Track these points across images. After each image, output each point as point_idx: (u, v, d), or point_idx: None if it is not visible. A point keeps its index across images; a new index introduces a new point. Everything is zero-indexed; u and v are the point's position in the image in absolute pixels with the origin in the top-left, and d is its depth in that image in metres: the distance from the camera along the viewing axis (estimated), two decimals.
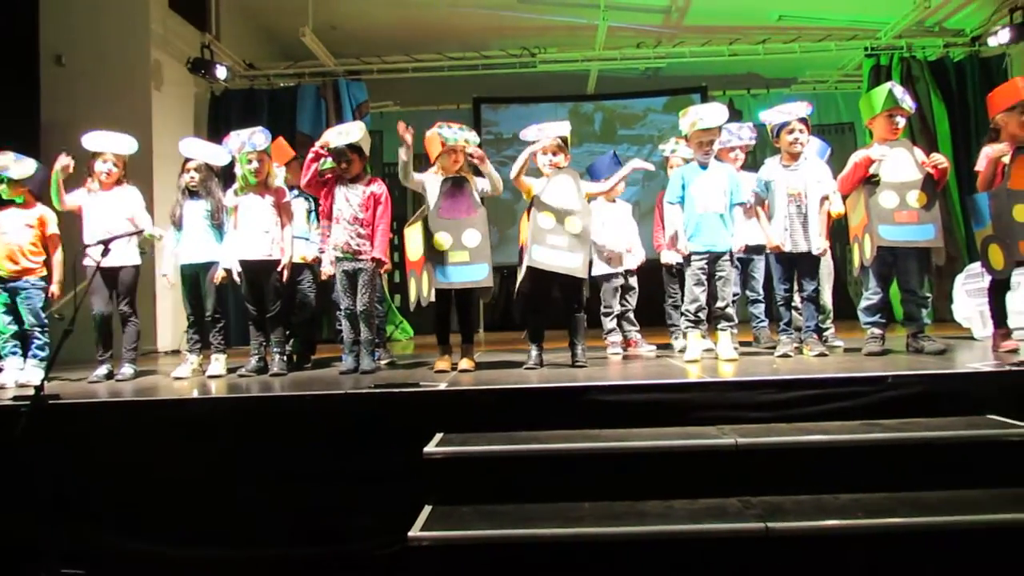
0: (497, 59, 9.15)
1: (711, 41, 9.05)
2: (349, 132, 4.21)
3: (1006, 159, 3.94)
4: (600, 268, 4.91)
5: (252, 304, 4.34)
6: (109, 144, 4.40)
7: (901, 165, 4.04)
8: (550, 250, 3.92)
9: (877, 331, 4.13)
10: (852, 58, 9.38)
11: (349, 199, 4.15)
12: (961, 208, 7.98)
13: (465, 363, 4.04)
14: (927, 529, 2.36)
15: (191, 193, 4.48)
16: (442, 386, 3.29)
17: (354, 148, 4.17)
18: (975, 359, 3.62)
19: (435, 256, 3.97)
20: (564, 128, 4.18)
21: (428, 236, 4.00)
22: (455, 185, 4.06)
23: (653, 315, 5.52)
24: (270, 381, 4.02)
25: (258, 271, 4.28)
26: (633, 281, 5.18)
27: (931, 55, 8.81)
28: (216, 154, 4.52)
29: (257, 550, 3.01)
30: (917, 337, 4.09)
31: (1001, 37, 8.04)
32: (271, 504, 3.03)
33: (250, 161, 4.25)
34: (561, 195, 4.02)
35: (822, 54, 9.23)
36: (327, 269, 4.21)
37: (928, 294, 4.24)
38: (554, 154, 4.10)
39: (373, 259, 4.14)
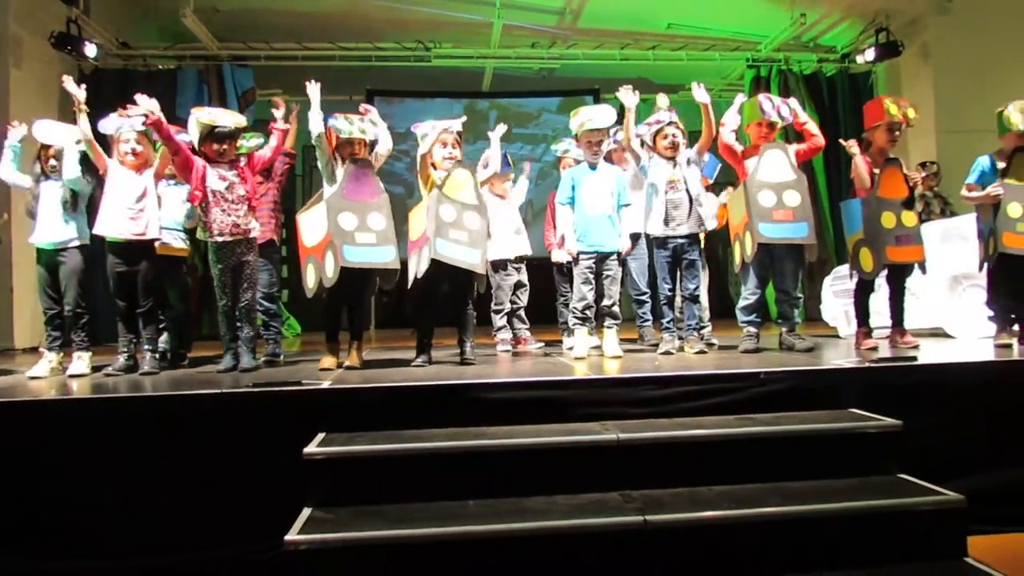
0: (391, 51, 9.02)
1: (604, 44, 9.26)
2: (236, 117, 4.09)
3: (876, 169, 4.23)
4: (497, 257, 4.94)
5: (121, 298, 4.07)
6: None
7: (777, 166, 4.25)
8: (453, 244, 3.87)
9: (753, 329, 4.33)
10: (735, 68, 9.82)
11: (226, 177, 3.95)
12: (831, 213, 8.51)
13: (352, 360, 3.94)
14: (795, 517, 2.47)
15: (46, 174, 4.17)
16: (326, 384, 3.18)
17: (235, 135, 3.99)
18: (840, 356, 3.85)
19: (342, 235, 3.80)
20: (459, 124, 4.15)
21: (333, 215, 3.84)
22: (360, 167, 3.94)
23: (544, 313, 5.58)
24: (140, 380, 3.78)
25: (127, 254, 4.00)
26: (525, 278, 5.21)
27: (806, 69, 9.36)
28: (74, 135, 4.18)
29: (123, 560, 2.82)
30: (789, 335, 4.31)
31: (868, 55, 8.64)
32: (139, 511, 2.84)
33: (127, 141, 3.99)
34: (460, 189, 3.98)
35: (707, 63, 9.61)
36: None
37: (800, 295, 4.48)
38: (452, 147, 4.07)
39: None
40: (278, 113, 4.37)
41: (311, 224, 3.99)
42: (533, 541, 2.36)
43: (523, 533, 2.34)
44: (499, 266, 4.98)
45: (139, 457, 2.88)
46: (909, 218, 4.20)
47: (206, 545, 2.84)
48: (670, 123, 4.36)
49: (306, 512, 2.52)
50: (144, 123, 3.88)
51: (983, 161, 4.32)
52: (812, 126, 4.38)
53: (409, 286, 4.01)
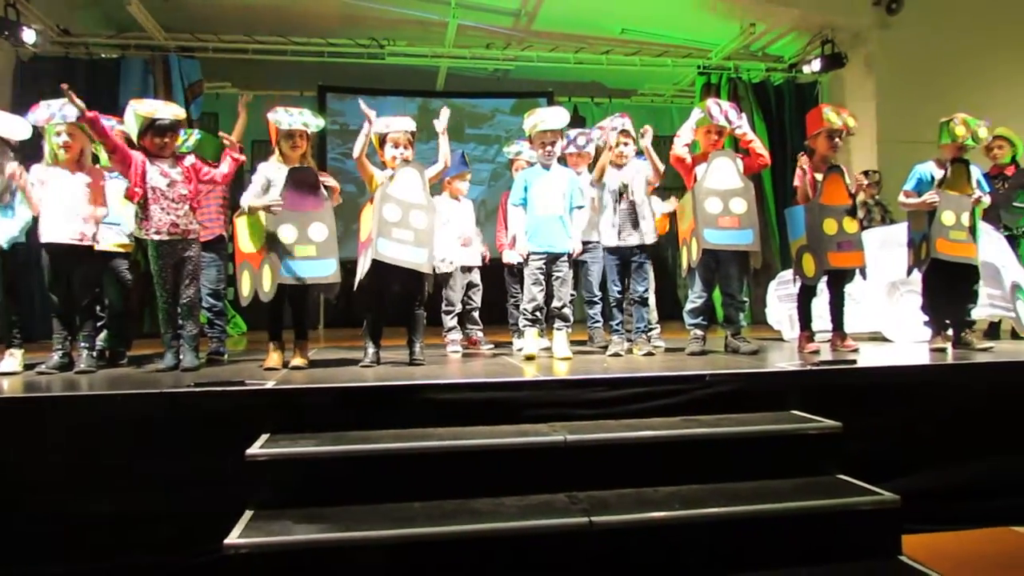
0: (344, 48, 8.91)
1: (558, 48, 9.31)
2: (176, 109, 3.96)
3: (819, 176, 4.34)
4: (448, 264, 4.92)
5: (57, 294, 3.92)
6: None
7: (725, 174, 4.32)
8: (396, 244, 3.83)
9: (699, 332, 4.39)
10: (687, 75, 9.97)
11: (168, 174, 3.84)
12: (777, 220, 8.70)
13: (298, 360, 3.87)
14: (737, 517, 2.51)
15: None
16: (270, 384, 3.12)
17: (177, 127, 3.89)
18: (783, 359, 3.93)
19: (279, 249, 3.73)
20: (410, 124, 4.11)
21: (271, 228, 3.75)
22: (301, 175, 3.85)
23: (495, 314, 5.57)
24: (76, 379, 3.64)
25: (66, 257, 3.87)
26: (477, 279, 5.21)
27: (755, 78, 9.55)
28: (10, 126, 4.03)
29: (55, 566, 2.72)
30: (735, 338, 4.39)
31: (814, 66, 8.87)
32: (73, 515, 2.74)
33: (59, 134, 3.84)
34: (408, 189, 3.94)
35: (660, 69, 9.75)
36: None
37: (746, 299, 4.57)
38: (404, 147, 4.02)
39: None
40: (229, 140, 4.17)
41: (248, 229, 3.88)
42: (479, 543, 2.35)
43: (469, 535, 2.33)
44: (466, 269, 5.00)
45: (72, 459, 2.79)
46: (851, 225, 4.33)
47: (143, 549, 2.75)
48: (622, 131, 4.38)
49: (248, 515, 2.48)
50: (78, 119, 3.74)
51: (921, 169, 4.44)
52: (758, 145, 4.43)
53: (355, 288, 3.96)
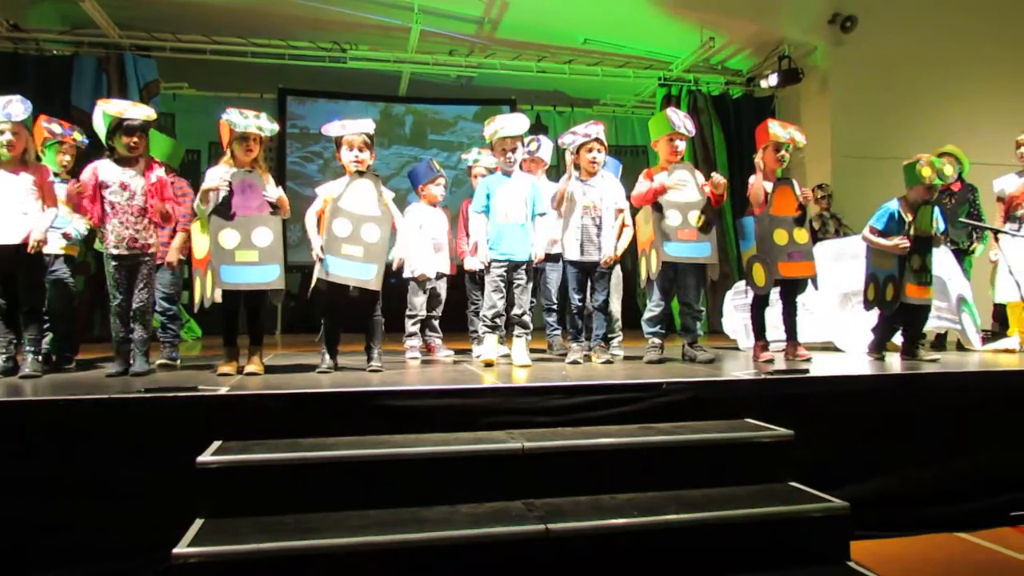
0: (306, 51, 8.83)
1: (521, 56, 9.35)
2: (146, 110, 3.87)
3: (768, 186, 4.41)
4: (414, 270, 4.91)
5: (1, 297, 3.80)
6: None
7: (684, 187, 4.37)
8: (344, 261, 3.78)
9: (657, 341, 4.43)
10: (648, 86, 10.09)
11: (129, 186, 3.75)
12: (734, 230, 8.84)
13: (252, 366, 3.80)
14: (692, 525, 2.53)
15: None
16: (223, 390, 3.05)
17: (146, 128, 3.81)
18: (738, 368, 3.99)
19: (220, 255, 3.67)
20: (368, 126, 4.04)
21: (214, 232, 3.68)
22: (247, 179, 3.78)
23: (455, 321, 5.55)
24: (19, 383, 3.53)
25: (10, 259, 3.75)
26: (440, 287, 5.19)
27: (714, 90, 9.72)
28: None
29: None
30: (691, 347, 4.44)
31: (771, 80, 9.05)
32: (14, 523, 2.64)
33: (2, 132, 3.72)
34: (361, 201, 3.89)
35: (621, 80, 9.85)
36: None
37: (703, 308, 4.62)
38: (360, 150, 3.96)
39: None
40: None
41: (200, 235, 3.82)
42: (433, 551, 2.33)
43: (423, 543, 2.31)
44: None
45: (14, 466, 2.69)
46: (801, 235, 4.40)
47: (89, 559, 2.67)
48: (596, 139, 4.38)
49: (197, 523, 2.42)
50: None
51: (891, 207, 4.44)
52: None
53: (309, 295, 3.91)
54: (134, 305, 3.79)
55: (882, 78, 8.62)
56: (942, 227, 4.53)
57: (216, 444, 2.70)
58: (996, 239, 5.07)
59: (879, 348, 4.51)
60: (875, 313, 4.57)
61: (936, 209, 4.46)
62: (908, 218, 4.39)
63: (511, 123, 4.20)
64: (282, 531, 2.34)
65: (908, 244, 4.31)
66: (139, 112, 3.80)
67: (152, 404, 2.87)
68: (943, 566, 3.01)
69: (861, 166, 8.01)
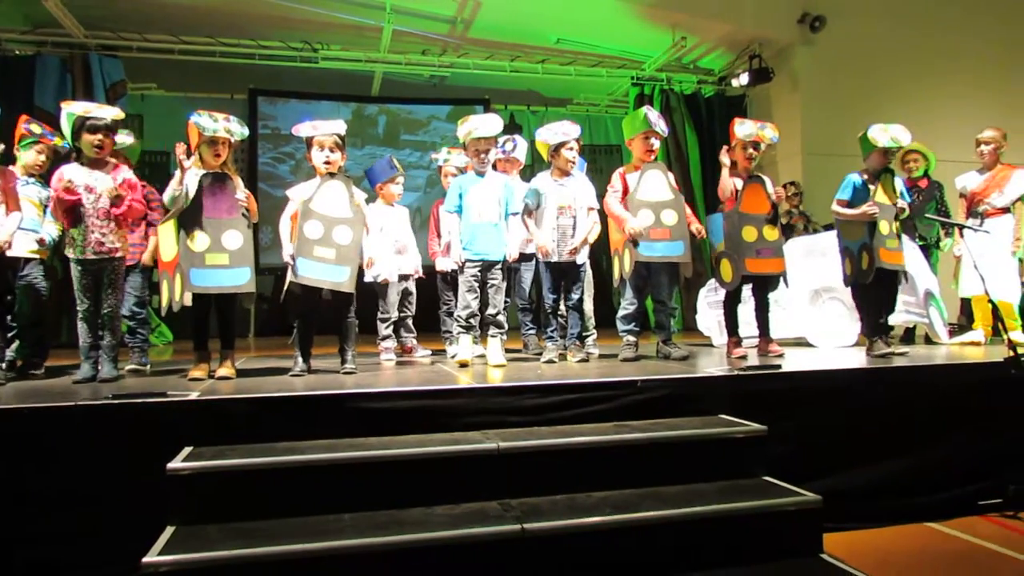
0: (276, 50, 8.75)
1: (494, 56, 9.35)
2: (112, 110, 3.80)
3: (739, 183, 4.45)
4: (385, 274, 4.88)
5: None
6: None
7: (656, 186, 4.40)
8: (316, 263, 3.74)
9: (632, 338, 4.45)
10: (621, 85, 10.15)
11: (94, 189, 3.69)
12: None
13: (224, 370, 3.75)
14: (668, 521, 2.55)
15: None
16: (194, 395, 3.01)
17: (112, 128, 3.74)
18: (712, 365, 4.02)
19: (190, 257, 3.61)
20: (340, 127, 4.01)
21: (183, 235, 3.62)
22: (217, 181, 3.73)
23: (429, 322, 5.54)
24: None
25: None
26: (413, 288, 5.17)
27: (687, 90, 9.79)
28: None
29: None
30: (666, 344, 4.46)
31: (742, 80, 9.15)
32: None
33: None
34: (332, 203, 3.86)
35: (595, 79, 9.90)
36: None
37: (676, 305, 4.65)
38: (331, 151, 3.92)
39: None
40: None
41: (167, 237, 3.75)
42: (409, 553, 2.32)
43: (399, 546, 2.30)
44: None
45: None
46: (771, 232, 4.42)
47: (57, 569, 2.62)
48: (576, 139, 4.39)
49: (168, 531, 2.38)
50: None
51: (854, 178, 4.47)
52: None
53: (282, 298, 3.86)
54: (102, 310, 3.72)
55: (850, 77, 8.76)
56: (907, 198, 4.54)
57: (187, 450, 2.66)
58: (961, 234, 5.15)
59: (877, 343, 4.36)
60: (849, 309, 4.62)
61: (898, 180, 4.51)
62: (872, 186, 4.41)
63: (485, 124, 4.19)
64: (255, 537, 2.31)
65: (876, 209, 4.29)
66: (104, 112, 3.74)
67: (121, 410, 2.82)
68: (914, 556, 3.06)
69: (829, 164, 8.10)
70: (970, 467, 3.58)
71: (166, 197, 3.70)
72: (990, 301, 4.00)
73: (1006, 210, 5.26)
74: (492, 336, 4.21)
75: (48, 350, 4.58)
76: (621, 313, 4.55)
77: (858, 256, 4.42)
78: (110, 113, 3.76)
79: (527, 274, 4.97)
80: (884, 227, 4.32)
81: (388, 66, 9.23)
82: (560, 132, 4.41)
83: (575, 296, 4.46)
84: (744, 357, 4.34)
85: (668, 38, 8.93)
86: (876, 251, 4.29)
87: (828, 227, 6.24)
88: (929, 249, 5.76)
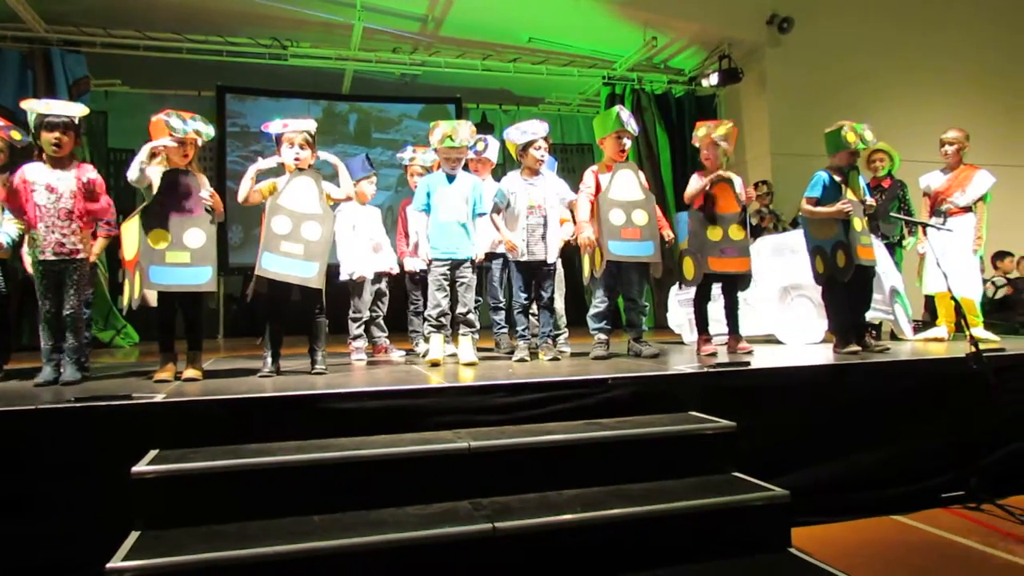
0: (245, 47, 8.64)
1: (466, 54, 9.33)
2: (74, 107, 3.71)
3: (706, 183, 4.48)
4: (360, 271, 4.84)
5: None
6: None
7: (627, 186, 4.42)
8: (283, 258, 3.70)
9: (603, 336, 4.47)
10: (592, 85, 10.19)
11: (56, 189, 3.61)
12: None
13: (191, 372, 3.69)
14: (639, 518, 2.56)
15: None
16: (159, 398, 2.96)
17: (71, 125, 3.66)
18: (683, 362, 4.05)
19: (150, 255, 3.55)
20: (310, 125, 3.98)
21: (144, 231, 3.56)
22: (181, 178, 3.68)
23: (397, 321, 5.50)
24: None
25: None
26: (385, 287, 5.14)
27: (657, 89, 9.85)
28: None
29: None
30: (637, 342, 4.48)
31: (712, 80, 9.22)
32: None
33: None
34: (301, 198, 3.82)
35: (566, 78, 9.92)
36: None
37: (647, 303, 4.67)
38: (301, 148, 3.88)
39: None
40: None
41: (130, 234, 3.69)
42: (380, 554, 2.30)
43: (369, 547, 2.28)
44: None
45: None
46: (736, 232, 4.42)
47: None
48: (545, 137, 4.39)
49: (133, 536, 2.33)
50: None
51: (823, 176, 4.46)
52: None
53: (249, 299, 3.81)
54: (65, 312, 3.65)
55: (818, 78, 8.88)
56: (868, 197, 4.58)
57: (152, 453, 2.61)
58: (924, 233, 5.25)
59: (845, 340, 4.39)
60: (817, 306, 4.66)
61: (860, 177, 4.57)
62: (843, 184, 4.40)
63: (458, 134, 4.16)
64: (223, 540, 2.28)
65: (851, 206, 4.28)
66: (65, 109, 3.66)
67: (84, 414, 2.77)
68: (880, 548, 3.11)
69: (797, 164, 8.21)
70: (934, 461, 3.65)
71: (130, 175, 3.60)
72: (953, 298, 4.07)
73: (968, 209, 5.36)
74: (463, 335, 4.20)
75: (9, 352, 4.48)
76: (592, 311, 4.56)
77: (832, 255, 4.37)
78: (71, 110, 3.68)
79: (499, 273, 4.97)
80: (858, 224, 4.34)
81: (359, 64, 9.16)
82: (528, 131, 4.42)
83: (546, 295, 4.46)
84: (714, 354, 4.38)
85: (639, 38, 8.97)
86: (853, 248, 4.25)
87: (795, 224, 6.33)
88: (893, 247, 5.86)
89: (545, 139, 4.45)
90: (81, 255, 3.68)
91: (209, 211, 3.68)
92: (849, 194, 4.37)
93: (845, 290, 4.40)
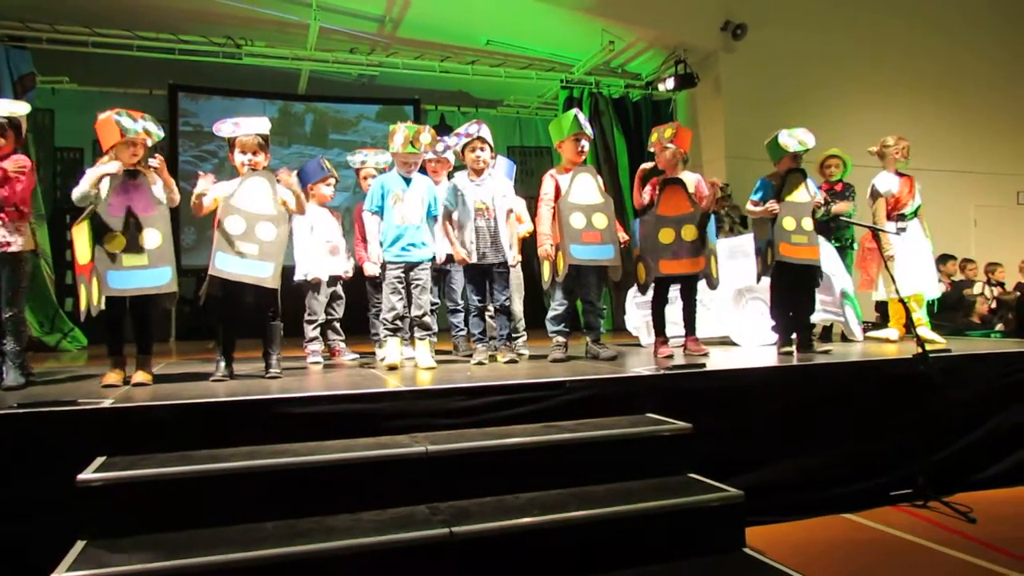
0: (198, 45, 8.47)
1: (424, 56, 9.29)
2: (14, 107, 3.61)
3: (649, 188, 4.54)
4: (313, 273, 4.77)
5: None
6: None
7: (587, 190, 4.43)
8: (237, 258, 3.62)
9: (561, 339, 4.48)
10: (550, 88, 10.22)
11: None
12: None
13: (140, 376, 3.59)
14: (596, 520, 2.57)
15: None
16: (107, 403, 2.88)
17: (12, 124, 3.53)
18: (640, 364, 4.08)
19: (106, 260, 3.44)
20: (263, 125, 3.90)
21: (97, 236, 3.45)
22: (130, 178, 3.57)
23: (356, 325, 5.44)
24: None
25: None
26: (341, 291, 5.08)
27: (615, 93, 9.94)
28: None
29: None
30: (595, 344, 4.50)
31: (668, 84, 9.33)
32: None
33: None
34: (254, 199, 3.75)
35: (525, 81, 9.95)
36: None
37: (605, 306, 4.70)
38: (254, 153, 3.80)
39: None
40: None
41: (82, 238, 3.57)
42: (335, 561, 2.27)
43: (324, 553, 2.25)
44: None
45: None
46: (689, 233, 4.45)
47: None
48: (479, 138, 4.38)
49: (79, 546, 2.27)
50: None
51: (765, 180, 4.66)
52: None
53: (202, 300, 3.73)
54: (4, 316, 3.52)
55: (771, 83, 9.07)
56: (818, 195, 4.70)
57: (99, 460, 2.54)
58: (875, 237, 5.36)
59: (784, 339, 4.60)
60: (767, 309, 4.76)
61: (811, 181, 4.67)
62: (779, 187, 4.57)
63: (420, 139, 4.12)
64: (172, 549, 2.22)
65: (776, 207, 4.45)
66: (4, 107, 3.53)
67: (27, 420, 2.68)
68: (830, 546, 3.18)
69: (751, 167, 8.35)
70: (882, 459, 3.75)
71: (76, 194, 3.51)
72: (901, 300, 4.18)
73: (914, 212, 5.51)
74: (420, 338, 4.17)
75: None
76: (551, 314, 4.57)
77: (765, 252, 4.59)
78: (9, 109, 3.55)
79: (457, 275, 4.95)
80: (788, 223, 4.47)
81: (315, 64, 9.06)
82: (462, 134, 4.43)
83: (502, 298, 4.45)
84: (670, 356, 4.42)
85: (597, 42, 9.04)
86: (777, 245, 4.41)
87: (743, 223, 6.46)
88: (844, 250, 5.98)
89: (480, 139, 4.41)
90: (12, 248, 3.54)
91: (161, 202, 3.58)
92: (793, 196, 4.49)
93: (787, 290, 4.55)
